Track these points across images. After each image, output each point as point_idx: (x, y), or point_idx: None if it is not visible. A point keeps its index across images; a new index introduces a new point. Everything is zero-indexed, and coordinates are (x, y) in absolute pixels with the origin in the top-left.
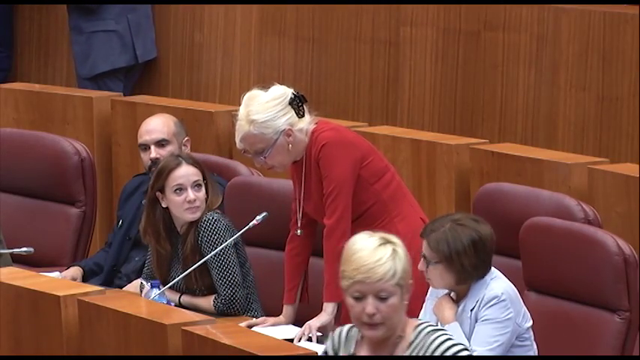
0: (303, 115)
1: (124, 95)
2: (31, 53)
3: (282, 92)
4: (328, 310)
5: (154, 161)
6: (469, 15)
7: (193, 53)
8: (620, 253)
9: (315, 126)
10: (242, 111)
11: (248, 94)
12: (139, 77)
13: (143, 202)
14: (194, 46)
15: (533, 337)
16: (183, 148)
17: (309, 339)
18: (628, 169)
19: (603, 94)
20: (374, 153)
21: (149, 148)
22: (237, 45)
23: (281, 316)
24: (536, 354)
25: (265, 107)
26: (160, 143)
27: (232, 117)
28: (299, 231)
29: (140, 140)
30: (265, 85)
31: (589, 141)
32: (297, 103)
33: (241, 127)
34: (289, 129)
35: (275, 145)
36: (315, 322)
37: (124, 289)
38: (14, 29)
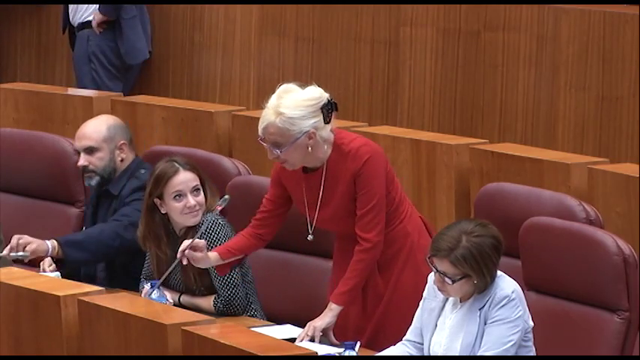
0: (328, 122)
1: (123, 95)
2: (31, 53)
3: (318, 95)
4: (335, 311)
5: (84, 168)
6: (469, 15)
7: (193, 53)
8: (619, 253)
9: (335, 135)
10: (273, 101)
11: (284, 87)
12: (139, 77)
13: (92, 209)
14: (194, 46)
15: (532, 340)
16: (117, 152)
17: (312, 339)
18: (628, 169)
19: (603, 94)
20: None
21: (80, 154)
22: (237, 45)
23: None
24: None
25: (298, 104)
26: (88, 150)
27: (263, 108)
28: (310, 237)
29: (74, 145)
30: (302, 84)
31: (589, 141)
32: (328, 110)
33: (267, 116)
34: (313, 132)
35: (295, 143)
36: (319, 323)
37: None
38: (14, 30)
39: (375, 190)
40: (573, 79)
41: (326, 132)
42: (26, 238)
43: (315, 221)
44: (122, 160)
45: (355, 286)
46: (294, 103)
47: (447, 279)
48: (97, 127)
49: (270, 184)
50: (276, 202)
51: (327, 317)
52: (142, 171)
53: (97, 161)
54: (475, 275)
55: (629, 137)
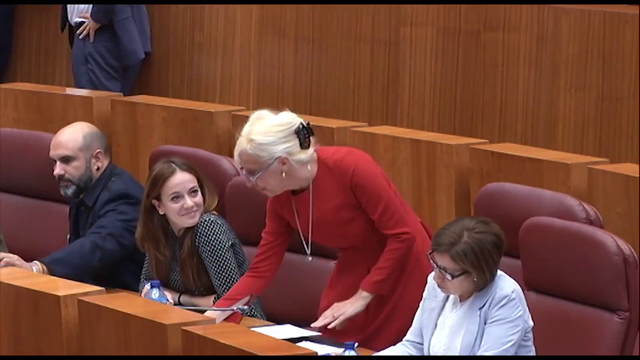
0: (307, 147)
1: (123, 95)
2: (31, 54)
3: (289, 120)
4: (367, 299)
5: (60, 177)
6: (469, 15)
7: (193, 53)
8: (619, 253)
9: (316, 154)
10: (246, 128)
11: (257, 113)
12: (139, 76)
13: (71, 218)
14: (194, 46)
15: (532, 339)
16: (93, 161)
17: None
18: (628, 169)
19: (603, 94)
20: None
21: (56, 162)
22: (237, 45)
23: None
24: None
25: (267, 131)
26: (64, 159)
27: (238, 130)
28: (309, 258)
29: (50, 153)
30: (277, 110)
31: (589, 141)
32: (304, 134)
33: (240, 144)
34: (285, 157)
35: (267, 169)
36: (350, 310)
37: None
38: (14, 30)
39: (379, 192)
40: (573, 79)
41: (305, 155)
42: (10, 261)
43: (310, 240)
44: (98, 169)
45: (389, 276)
46: (263, 130)
47: (446, 275)
48: (73, 136)
49: (268, 218)
50: (275, 234)
51: (358, 304)
52: (113, 179)
53: (74, 170)
54: (475, 272)
55: (629, 137)
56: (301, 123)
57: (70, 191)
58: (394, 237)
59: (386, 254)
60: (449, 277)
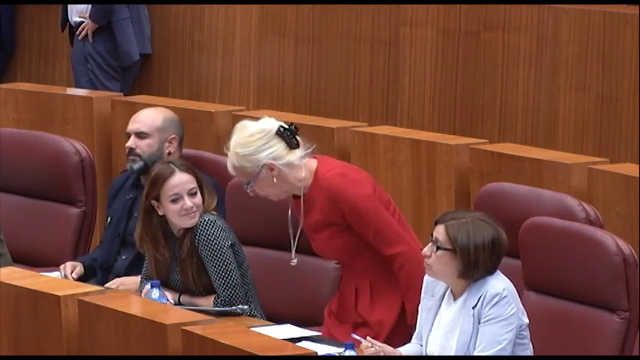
0: (297, 146)
1: (123, 94)
2: (32, 53)
3: (266, 126)
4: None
5: (130, 150)
6: (469, 15)
7: (193, 53)
8: (619, 253)
9: (315, 163)
10: (231, 141)
11: (239, 124)
12: (139, 76)
13: (129, 196)
14: (194, 46)
15: (529, 337)
16: (166, 145)
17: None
18: (628, 169)
19: (603, 94)
20: (377, 184)
21: (130, 136)
22: (237, 45)
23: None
24: (532, 354)
25: (247, 141)
26: (139, 135)
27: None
28: (294, 261)
29: (127, 128)
30: (258, 117)
31: (589, 141)
32: (288, 135)
33: (229, 157)
34: (271, 163)
35: (258, 178)
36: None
37: (107, 285)
38: (15, 30)
39: (370, 217)
40: (573, 79)
41: (294, 157)
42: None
43: (296, 245)
44: (169, 154)
45: (408, 298)
46: (243, 141)
47: (434, 246)
48: (153, 116)
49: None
50: None
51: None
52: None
53: (145, 147)
54: (460, 255)
55: (629, 137)
56: (281, 125)
57: (136, 166)
58: (390, 259)
59: (401, 286)
60: (434, 248)
